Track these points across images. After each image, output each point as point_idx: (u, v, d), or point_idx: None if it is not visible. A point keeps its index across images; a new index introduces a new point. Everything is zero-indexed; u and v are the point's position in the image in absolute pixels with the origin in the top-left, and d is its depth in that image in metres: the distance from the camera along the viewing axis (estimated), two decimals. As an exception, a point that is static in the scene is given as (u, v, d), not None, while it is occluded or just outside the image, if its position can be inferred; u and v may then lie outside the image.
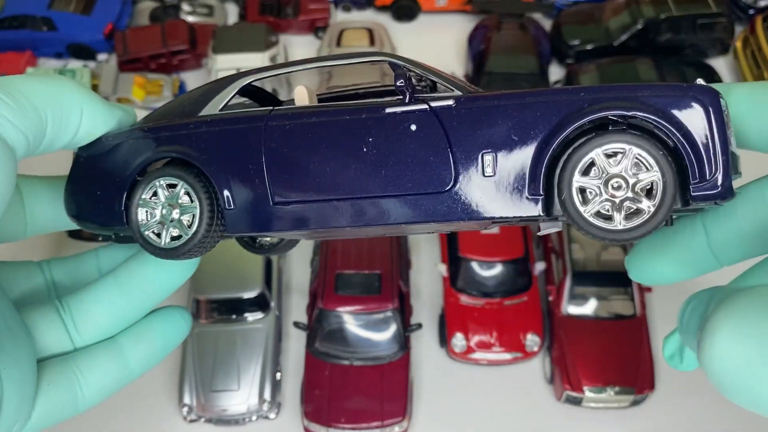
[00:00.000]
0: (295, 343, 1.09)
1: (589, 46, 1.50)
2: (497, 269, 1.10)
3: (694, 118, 0.41)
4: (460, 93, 0.44)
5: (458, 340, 1.07)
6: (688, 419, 1.04)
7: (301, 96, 0.48)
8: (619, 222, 0.41)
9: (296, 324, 1.06)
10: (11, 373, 0.49)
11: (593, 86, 0.43)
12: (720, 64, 1.50)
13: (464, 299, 1.10)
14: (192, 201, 0.48)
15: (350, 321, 1.05)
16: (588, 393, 1.02)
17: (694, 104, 0.41)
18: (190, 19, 1.67)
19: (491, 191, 0.43)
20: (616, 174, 0.41)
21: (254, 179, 0.47)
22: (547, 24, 1.57)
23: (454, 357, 1.08)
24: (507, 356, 1.07)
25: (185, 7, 1.68)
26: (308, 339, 1.06)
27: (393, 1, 1.59)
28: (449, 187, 0.43)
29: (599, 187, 0.41)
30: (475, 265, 1.10)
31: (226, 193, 0.47)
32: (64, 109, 0.48)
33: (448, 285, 1.11)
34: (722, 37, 1.49)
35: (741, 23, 1.54)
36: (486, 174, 0.43)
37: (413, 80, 0.45)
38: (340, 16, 1.63)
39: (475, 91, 0.45)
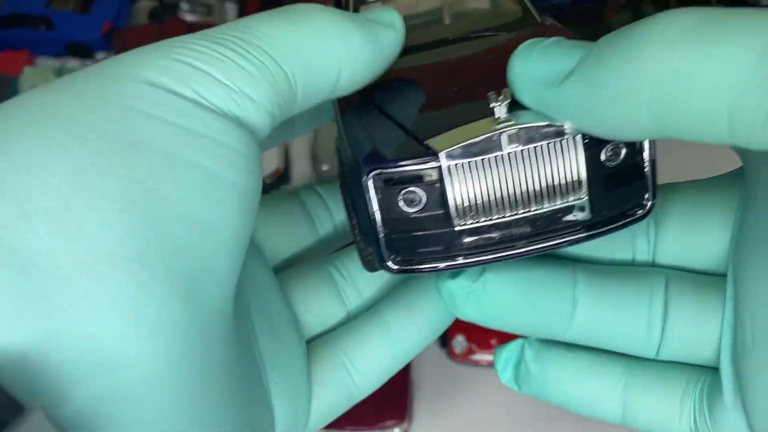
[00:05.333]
0: (295, 345, 1.08)
1: (590, 45, 1.49)
2: (498, 270, 1.09)
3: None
4: None
5: (459, 342, 1.06)
6: (690, 421, 1.03)
7: None
8: None
9: (295, 325, 1.05)
10: (283, 387, 0.38)
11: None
12: (722, 62, 1.49)
13: (465, 300, 1.09)
14: None
15: (350, 322, 1.04)
16: (590, 395, 1.01)
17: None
18: (189, 17, 1.66)
19: None
20: None
21: None
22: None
23: (455, 358, 1.08)
24: (508, 358, 1.06)
25: (184, 6, 1.68)
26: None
27: (393, 0, 1.58)
28: None
29: None
30: (475, 266, 1.09)
31: None
32: (319, 60, 0.33)
33: (448, 286, 1.10)
34: (724, 35, 1.48)
35: (743, 22, 1.53)
36: None
37: None
38: (339, 15, 1.62)
39: None
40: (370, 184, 0.34)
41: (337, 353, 0.42)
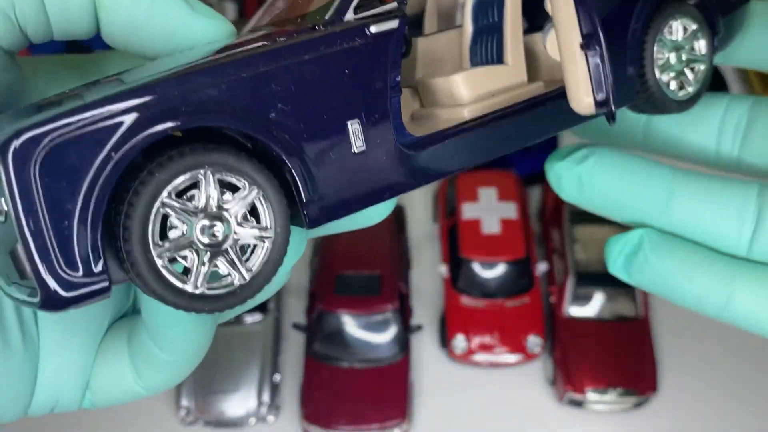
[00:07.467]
0: (294, 345, 1.08)
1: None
2: (499, 270, 1.09)
3: None
4: None
5: (459, 342, 1.06)
6: (692, 420, 1.03)
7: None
8: None
9: (296, 326, 1.06)
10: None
11: None
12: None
13: (465, 300, 1.08)
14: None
15: (350, 323, 1.04)
16: (590, 395, 1.01)
17: None
18: (189, 16, 1.65)
19: None
20: None
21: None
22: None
23: (455, 359, 1.08)
24: (508, 358, 1.06)
25: (184, 4, 1.67)
26: (307, 341, 1.05)
27: (393, -2, 1.58)
28: None
29: None
30: (476, 266, 1.09)
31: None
32: None
33: (448, 286, 1.10)
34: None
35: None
36: None
37: None
38: (340, 14, 1.62)
39: None
40: None
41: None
